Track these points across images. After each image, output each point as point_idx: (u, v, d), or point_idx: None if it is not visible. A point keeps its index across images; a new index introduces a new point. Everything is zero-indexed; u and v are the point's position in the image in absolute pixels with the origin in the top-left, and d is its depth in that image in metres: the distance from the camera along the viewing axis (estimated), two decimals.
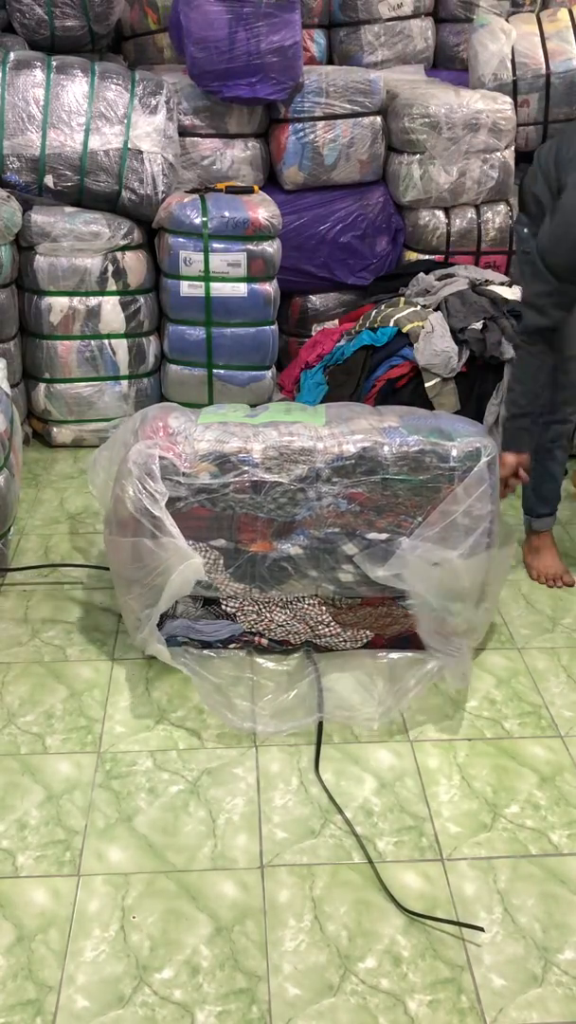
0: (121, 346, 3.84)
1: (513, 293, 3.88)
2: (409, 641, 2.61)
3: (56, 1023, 1.66)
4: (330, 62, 4.69)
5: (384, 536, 2.45)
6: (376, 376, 3.67)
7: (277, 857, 1.99)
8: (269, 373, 3.95)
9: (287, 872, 1.95)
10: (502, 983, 1.74)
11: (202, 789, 2.16)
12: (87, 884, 1.92)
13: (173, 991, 1.72)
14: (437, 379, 3.58)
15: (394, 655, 2.58)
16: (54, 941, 1.80)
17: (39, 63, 3.68)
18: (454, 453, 2.43)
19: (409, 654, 2.56)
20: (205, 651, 2.57)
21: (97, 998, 1.70)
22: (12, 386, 3.67)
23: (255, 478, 2.40)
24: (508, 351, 3.60)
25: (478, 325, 3.63)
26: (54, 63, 3.70)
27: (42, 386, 3.85)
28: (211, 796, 2.14)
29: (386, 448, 2.42)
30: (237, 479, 2.40)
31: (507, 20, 4.56)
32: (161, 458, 2.37)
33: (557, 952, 1.80)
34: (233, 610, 2.54)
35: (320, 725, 2.34)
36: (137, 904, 1.88)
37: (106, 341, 3.82)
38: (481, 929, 1.84)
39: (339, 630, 2.57)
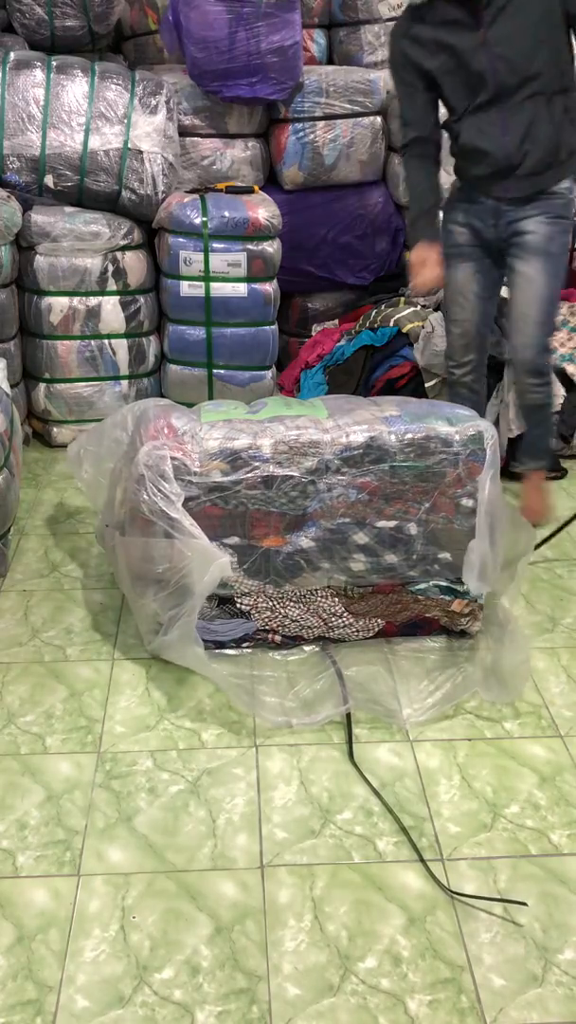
0: (121, 346, 3.84)
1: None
2: (419, 627, 2.64)
3: (56, 1023, 1.66)
4: (330, 62, 4.69)
5: (393, 523, 2.48)
6: (376, 376, 3.68)
7: (277, 857, 1.99)
8: (269, 373, 3.95)
9: (287, 872, 1.96)
10: (502, 983, 1.74)
11: (202, 789, 2.16)
12: (87, 884, 1.92)
13: (173, 991, 1.72)
14: (437, 379, 3.59)
15: (412, 645, 2.63)
16: (54, 941, 1.80)
17: (39, 63, 3.68)
18: (456, 437, 2.47)
19: (428, 643, 2.63)
20: (219, 651, 2.57)
21: (97, 998, 1.70)
22: (12, 386, 3.67)
23: (266, 473, 2.41)
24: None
25: None
26: (54, 63, 3.70)
27: (42, 386, 3.85)
28: (211, 796, 2.14)
29: (392, 436, 2.45)
30: (249, 475, 2.41)
31: None
32: (172, 459, 2.38)
33: (557, 952, 1.80)
34: (247, 608, 2.54)
35: (348, 716, 2.36)
36: (137, 904, 1.88)
37: (106, 341, 3.82)
38: (525, 904, 1.87)
39: (351, 620, 2.59)
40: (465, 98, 2.81)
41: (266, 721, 2.35)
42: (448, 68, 2.79)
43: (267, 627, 2.58)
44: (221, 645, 2.58)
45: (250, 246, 3.72)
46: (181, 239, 3.72)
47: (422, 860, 1.97)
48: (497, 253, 3.01)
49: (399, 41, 2.86)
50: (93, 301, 3.76)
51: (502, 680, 2.44)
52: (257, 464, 2.42)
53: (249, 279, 3.76)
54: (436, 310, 3.72)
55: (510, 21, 2.68)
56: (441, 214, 3.07)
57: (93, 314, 3.77)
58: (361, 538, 2.50)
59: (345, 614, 2.59)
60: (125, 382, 3.91)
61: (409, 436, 2.46)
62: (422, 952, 1.80)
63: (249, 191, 3.88)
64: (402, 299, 3.96)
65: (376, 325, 3.78)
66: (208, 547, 2.32)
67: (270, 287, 3.82)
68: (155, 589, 2.43)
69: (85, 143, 3.64)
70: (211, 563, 2.29)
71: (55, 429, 3.91)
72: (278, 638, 2.60)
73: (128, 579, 2.54)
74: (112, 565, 2.85)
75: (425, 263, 2.97)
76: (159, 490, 2.35)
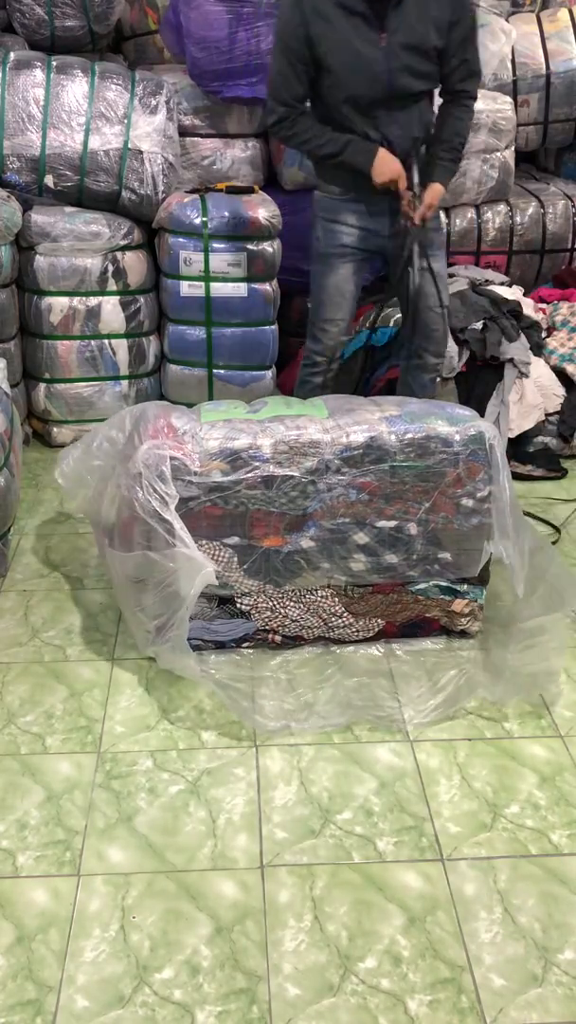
0: (121, 346, 3.84)
1: (513, 293, 3.89)
2: (419, 627, 2.64)
3: (56, 1023, 1.66)
4: None
5: (393, 523, 2.48)
6: (376, 376, 3.67)
7: (277, 857, 1.99)
8: (269, 373, 3.95)
9: (287, 872, 1.95)
10: (502, 983, 1.74)
11: (202, 789, 2.16)
12: (87, 884, 1.92)
13: (173, 991, 1.72)
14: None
15: (412, 645, 2.63)
16: (54, 941, 1.80)
17: (39, 63, 3.68)
18: (457, 438, 2.47)
19: (428, 643, 2.63)
20: (218, 652, 2.58)
21: (97, 998, 1.70)
22: (12, 386, 3.67)
23: (266, 473, 2.41)
24: (508, 351, 3.60)
25: (478, 325, 3.64)
26: (54, 63, 3.70)
27: (42, 386, 3.85)
28: (211, 796, 2.14)
29: (392, 436, 2.45)
30: (249, 475, 2.41)
31: (507, 20, 4.56)
32: (172, 459, 2.38)
33: (557, 952, 1.80)
34: (247, 608, 2.54)
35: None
36: (137, 904, 1.88)
37: (106, 341, 3.82)
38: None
39: (351, 620, 2.59)
40: (358, 90, 2.82)
41: (261, 728, 2.33)
42: (342, 60, 2.79)
43: (267, 627, 2.58)
44: (221, 645, 2.58)
45: (250, 246, 3.72)
46: (181, 239, 3.72)
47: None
48: (377, 254, 3.12)
49: (297, 8, 2.79)
50: (93, 301, 3.76)
51: (518, 682, 2.43)
52: (257, 464, 2.42)
53: (249, 279, 3.76)
54: None
55: (411, 26, 2.76)
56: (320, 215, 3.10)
57: (93, 314, 3.77)
58: (361, 538, 2.50)
59: (345, 614, 2.59)
60: (125, 382, 3.90)
61: (409, 436, 2.46)
62: (422, 952, 1.80)
63: (249, 191, 3.88)
64: None
65: (376, 325, 3.78)
66: (193, 556, 2.31)
67: (270, 287, 3.81)
68: (145, 598, 2.42)
69: (85, 143, 3.64)
70: (197, 572, 2.29)
71: (55, 429, 3.91)
72: (278, 638, 2.60)
73: (119, 587, 2.53)
74: (107, 571, 2.84)
75: (386, 159, 2.90)
76: (155, 490, 2.34)
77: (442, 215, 3.69)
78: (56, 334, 3.77)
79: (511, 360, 3.61)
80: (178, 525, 2.32)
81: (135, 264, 3.79)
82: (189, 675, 2.42)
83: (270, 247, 3.75)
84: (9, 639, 2.69)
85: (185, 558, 2.30)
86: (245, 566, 2.49)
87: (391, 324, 3.71)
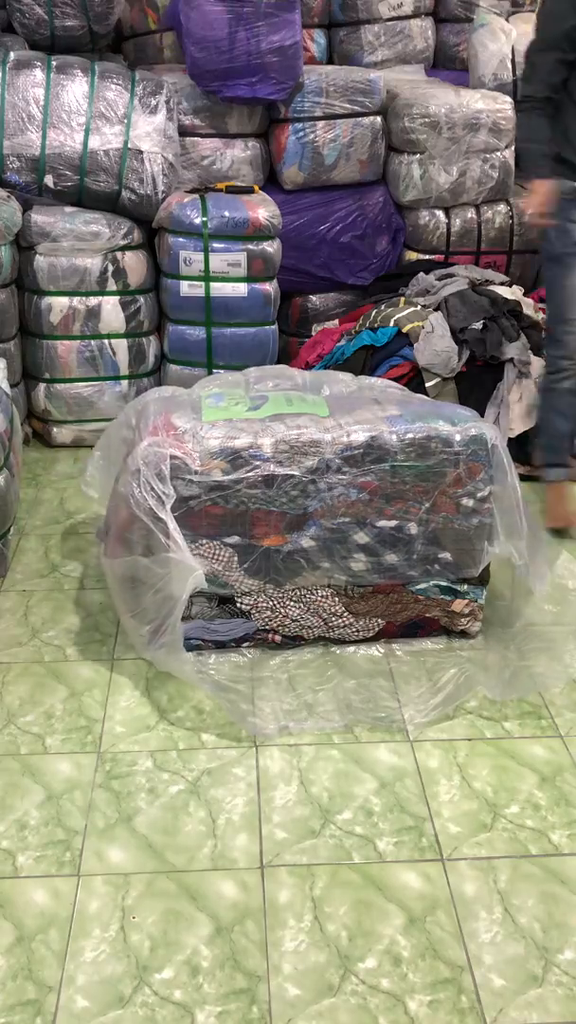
0: (121, 346, 3.84)
1: (513, 293, 3.88)
2: (419, 627, 2.64)
3: (56, 1023, 1.66)
4: (330, 62, 4.69)
5: (393, 523, 2.48)
6: (376, 376, 3.67)
7: (277, 857, 1.99)
8: None
9: (287, 872, 1.95)
10: (502, 983, 1.74)
11: (202, 789, 2.16)
12: (87, 884, 1.92)
13: (173, 991, 1.72)
14: (437, 379, 3.58)
15: (412, 645, 2.63)
16: (54, 941, 1.80)
17: (39, 63, 3.68)
18: (457, 438, 2.47)
19: (428, 643, 2.64)
20: (217, 652, 2.58)
21: (97, 998, 1.70)
22: (12, 386, 3.67)
23: (267, 472, 2.41)
24: (508, 351, 3.60)
25: (478, 325, 3.63)
26: (54, 63, 3.70)
27: (42, 386, 3.85)
28: (211, 796, 2.14)
29: (393, 436, 2.45)
30: (249, 474, 2.41)
31: (507, 20, 4.56)
32: (173, 457, 2.38)
33: (557, 952, 1.80)
34: (247, 607, 2.54)
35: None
36: (137, 904, 1.88)
37: (106, 341, 3.82)
38: None
39: (352, 620, 2.59)
40: None
41: (257, 731, 2.33)
42: None
43: (267, 627, 2.58)
44: (221, 645, 2.58)
45: (250, 246, 3.72)
46: (181, 239, 3.72)
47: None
48: None
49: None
50: (93, 301, 3.76)
51: (518, 682, 2.44)
52: (258, 463, 2.42)
53: (249, 279, 3.76)
54: (436, 310, 3.72)
55: None
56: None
57: (93, 314, 3.77)
58: (362, 538, 2.50)
59: (345, 614, 2.59)
60: (125, 382, 3.90)
61: (410, 436, 2.46)
62: (422, 952, 1.80)
63: (249, 191, 3.88)
64: (402, 299, 3.95)
65: (376, 325, 3.78)
66: (183, 559, 2.31)
67: (270, 287, 3.81)
68: (139, 601, 2.43)
69: (85, 143, 3.64)
70: (188, 575, 2.29)
71: (55, 429, 3.91)
72: (278, 638, 2.60)
73: (116, 593, 2.53)
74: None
75: (542, 192, 3.00)
76: (152, 488, 2.34)
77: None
78: (56, 334, 3.77)
79: (511, 360, 3.60)
80: (172, 526, 2.32)
81: (135, 264, 3.79)
82: (186, 678, 2.42)
83: (270, 247, 3.75)
84: (9, 639, 2.69)
85: (175, 563, 2.30)
86: (245, 565, 2.49)
87: (391, 324, 3.71)
